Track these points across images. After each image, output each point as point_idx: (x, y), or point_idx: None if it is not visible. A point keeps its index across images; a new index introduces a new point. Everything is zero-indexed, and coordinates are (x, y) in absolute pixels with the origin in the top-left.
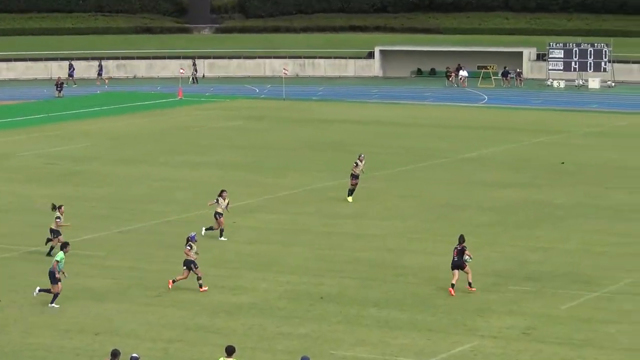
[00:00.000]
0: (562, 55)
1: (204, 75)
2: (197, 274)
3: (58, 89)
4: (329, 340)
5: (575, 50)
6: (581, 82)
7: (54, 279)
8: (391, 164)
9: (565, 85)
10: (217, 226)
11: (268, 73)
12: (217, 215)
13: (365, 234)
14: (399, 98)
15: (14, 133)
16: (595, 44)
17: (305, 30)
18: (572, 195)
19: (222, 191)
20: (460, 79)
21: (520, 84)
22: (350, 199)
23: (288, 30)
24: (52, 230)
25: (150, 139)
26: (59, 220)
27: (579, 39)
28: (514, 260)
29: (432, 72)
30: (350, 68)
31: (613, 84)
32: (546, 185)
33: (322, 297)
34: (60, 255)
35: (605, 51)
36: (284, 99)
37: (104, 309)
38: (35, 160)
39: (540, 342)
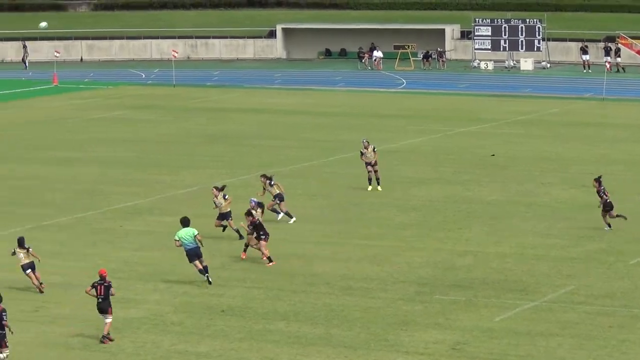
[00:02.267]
0: (489, 33)
1: (81, 59)
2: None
3: None
4: (232, 359)
5: (505, 27)
6: (512, 64)
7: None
8: (296, 158)
9: (494, 67)
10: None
11: (155, 56)
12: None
13: (270, 239)
14: (305, 83)
15: None
16: (527, 20)
17: (196, 6)
18: (504, 192)
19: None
20: (375, 60)
21: (443, 65)
22: (379, 187)
23: (177, 6)
24: None
25: (18, 133)
26: None
27: (509, 15)
28: (440, 266)
29: (343, 53)
30: (249, 49)
31: (548, 65)
32: (474, 180)
33: (223, 310)
34: None
35: (539, 27)
36: (173, 85)
37: None
38: None
39: (472, 359)
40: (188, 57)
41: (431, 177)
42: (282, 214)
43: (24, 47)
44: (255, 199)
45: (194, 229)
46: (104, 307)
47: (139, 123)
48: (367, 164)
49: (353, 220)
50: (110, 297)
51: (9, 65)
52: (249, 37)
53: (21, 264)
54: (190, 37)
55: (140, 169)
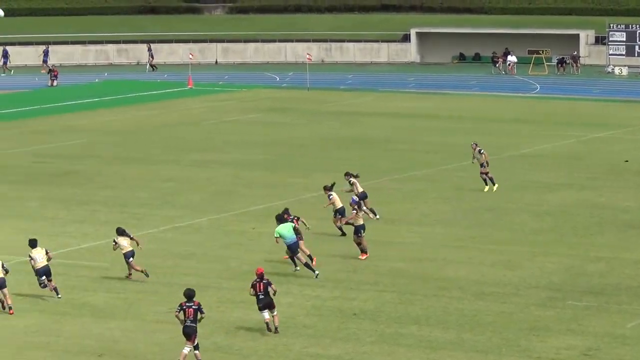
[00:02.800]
0: (624, 39)
1: (216, 62)
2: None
3: (52, 77)
4: None
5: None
6: None
7: None
8: (430, 162)
9: (629, 72)
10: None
11: (290, 59)
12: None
13: (402, 242)
14: (438, 87)
15: None
16: None
17: (331, 9)
18: (638, 199)
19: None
20: (509, 65)
21: (577, 71)
22: (495, 187)
23: (312, 9)
24: None
25: (155, 135)
26: None
27: None
28: (573, 272)
29: (477, 58)
30: (383, 53)
31: None
32: (608, 186)
33: (355, 314)
34: None
35: None
36: (307, 89)
37: (107, 327)
38: (23, 158)
39: None
40: (322, 61)
41: (564, 182)
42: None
43: (149, 50)
44: (356, 198)
45: (291, 223)
46: (267, 303)
47: (272, 126)
48: (481, 165)
49: (486, 224)
50: (273, 295)
51: (144, 68)
52: (383, 41)
53: (124, 251)
54: (325, 41)
55: (274, 172)
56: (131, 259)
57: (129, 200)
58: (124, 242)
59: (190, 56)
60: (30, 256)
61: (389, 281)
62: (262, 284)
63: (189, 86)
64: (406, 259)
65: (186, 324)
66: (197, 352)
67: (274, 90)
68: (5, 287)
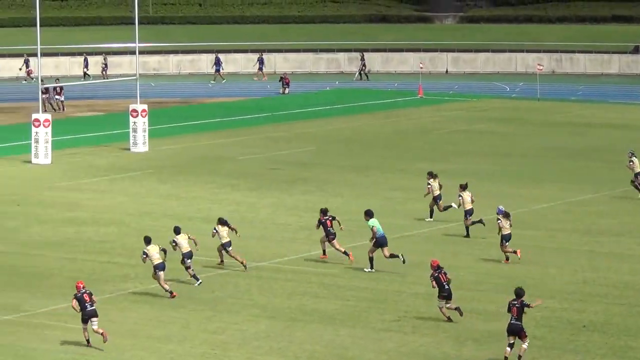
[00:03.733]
0: None
1: (446, 71)
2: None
3: (284, 85)
4: None
5: None
6: None
7: None
8: None
9: None
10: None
11: (520, 69)
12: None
13: (633, 255)
14: None
15: (233, 133)
16: None
17: (561, 20)
18: None
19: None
20: None
21: None
22: None
23: (542, 20)
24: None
25: (384, 143)
26: None
27: None
28: None
29: None
30: (614, 64)
31: None
32: None
33: (584, 326)
34: None
35: None
36: (538, 99)
37: (337, 334)
38: (256, 164)
39: None
40: (553, 71)
41: None
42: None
43: (362, 59)
44: (502, 207)
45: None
46: (450, 293)
47: (502, 136)
48: (636, 175)
49: None
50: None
51: (375, 76)
52: (614, 52)
53: (223, 241)
54: (555, 52)
55: (503, 182)
56: (229, 248)
57: (357, 208)
58: (224, 232)
59: (421, 65)
60: (175, 241)
61: (618, 293)
62: (442, 274)
63: (419, 95)
64: (636, 272)
65: (510, 321)
66: (524, 345)
67: (504, 101)
68: (161, 271)
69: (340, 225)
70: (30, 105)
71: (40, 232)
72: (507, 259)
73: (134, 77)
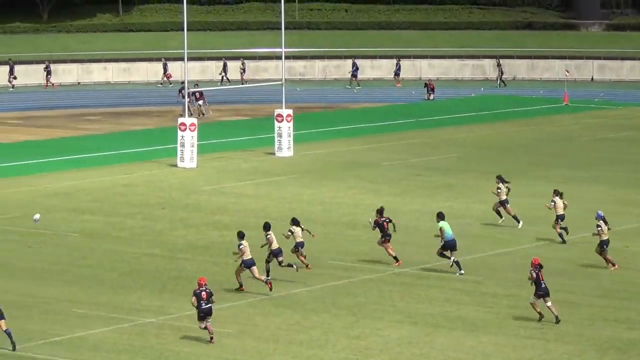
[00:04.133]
0: None
1: (592, 79)
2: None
3: (428, 91)
4: None
5: None
6: None
7: None
8: None
9: None
10: None
11: None
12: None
13: None
14: None
15: (377, 139)
16: None
17: None
18: None
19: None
20: None
21: None
22: None
23: None
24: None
25: (528, 150)
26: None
27: None
28: None
29: None
30: None
31: None
32: None
33: None
34: None
35: None
36: None
37: (479, 341)
38: (400, 170)
39: None
40: None
41: None
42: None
43: (498, 65)
44: (601, 212)
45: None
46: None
47: None
48: None
49: None
50: None
51: (520, 83)
52: None
53: (297, 241)
54: None
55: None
56: (301, 248)
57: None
58: (298, 232)
59: (567, 73)
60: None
61: None
62: (540, 272)
63: (565, 103)
64: None
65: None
66: None
67: None
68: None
69: (394, 228)
70: (176, 109)
71: (185, 235)
72: (613, 264)
73: (280, 82)
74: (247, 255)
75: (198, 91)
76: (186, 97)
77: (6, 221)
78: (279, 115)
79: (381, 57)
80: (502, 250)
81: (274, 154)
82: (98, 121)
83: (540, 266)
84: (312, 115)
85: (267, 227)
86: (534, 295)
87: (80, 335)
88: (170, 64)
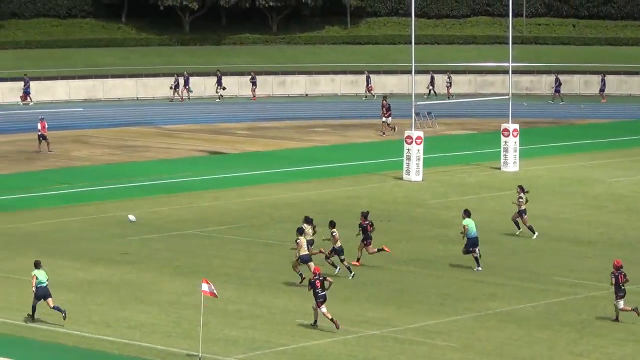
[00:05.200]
0: None
1: None
2: None
3: None
4: None
5: None
6: None
7: None
8: None
9: None
10: None
11: None
12: None
13: None
14: None
15: (603, 155)
16: None
17: None
18: None
19: None
20: None
21: None
22: None
23: None
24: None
25: None
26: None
27: None
28: None
29: None
30: None
31: None
32: None
33: None
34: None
35: None
36: None
37: None
38: (626, 187)
39: None
40: None
41: None
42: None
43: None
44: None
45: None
46: None
47: None
48: None
49: None
50: None
51: None
52: None
53: (307, 238)
54: None
55: None
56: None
57: None
58: (309, 229)
59: None
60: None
61: None
62: (622, 275)
63: None
64: None
65: None
66: None
67: None
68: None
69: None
70: (403, 122)
71: (408, 248)
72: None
73: (507, 97)
74: (304, 251)
75: (386, 105)
76: (413, 111)
77: (233, 231)
78: (505, 129)
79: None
80: None
81: (499, 168)
82: (325, 133)
83: (620, 268)
84: (538, 130)
85: (332, 224)
86: (616, 297)
87: (304, 346)
88: (390, 77)
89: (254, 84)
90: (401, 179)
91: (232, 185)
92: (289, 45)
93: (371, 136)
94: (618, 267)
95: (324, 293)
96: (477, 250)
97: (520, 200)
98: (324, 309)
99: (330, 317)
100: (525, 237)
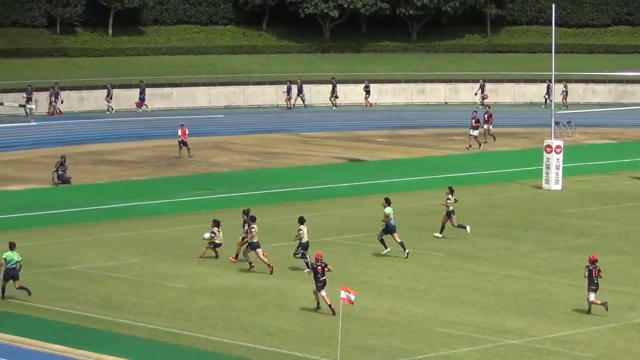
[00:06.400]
0: None
1: None
2: None
3: None
4: None
5: None
6: None
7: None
8: None
9: None
10: None
11: None
12: None
13: None
14: None
15: None
16: None
17: None
18: None
19: None
20: None
21: None
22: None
23: None
24: None
25: None
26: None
27: None
28: None
29: None
30: None
31: None
32: None
33: None
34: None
35: None
36: None
37: None
38: None
39: None
40: None
41: None
42: None
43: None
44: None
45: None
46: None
47: None
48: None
49: None
50: None
51: None
52: None
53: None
54: None
55: None
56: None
57: None
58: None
59: None
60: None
61: None
62: (596, 269)
63: None
64: None
65: None
66: None
67: None
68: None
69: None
70: (543, 131)
71: (548, 257)
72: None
73: None
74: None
75: (489, 114)
76: (552, 119)
77: (371, 238)
78: None
79: None
80: None
81: (639, 178)
82: (463, 141)
83: (594, 262)
84: None
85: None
86: (588, 290)
87: (443, 354)
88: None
89: (367, 92)
90: (540, 187)
91: (371, 193)
92: (429, 53)
93: (511, 144)
94: (593, 262)
95: (324, 278)
96: (395, 236)
97: (449, 201)
98: (323, 292)
99: (328, 302)
100: None
